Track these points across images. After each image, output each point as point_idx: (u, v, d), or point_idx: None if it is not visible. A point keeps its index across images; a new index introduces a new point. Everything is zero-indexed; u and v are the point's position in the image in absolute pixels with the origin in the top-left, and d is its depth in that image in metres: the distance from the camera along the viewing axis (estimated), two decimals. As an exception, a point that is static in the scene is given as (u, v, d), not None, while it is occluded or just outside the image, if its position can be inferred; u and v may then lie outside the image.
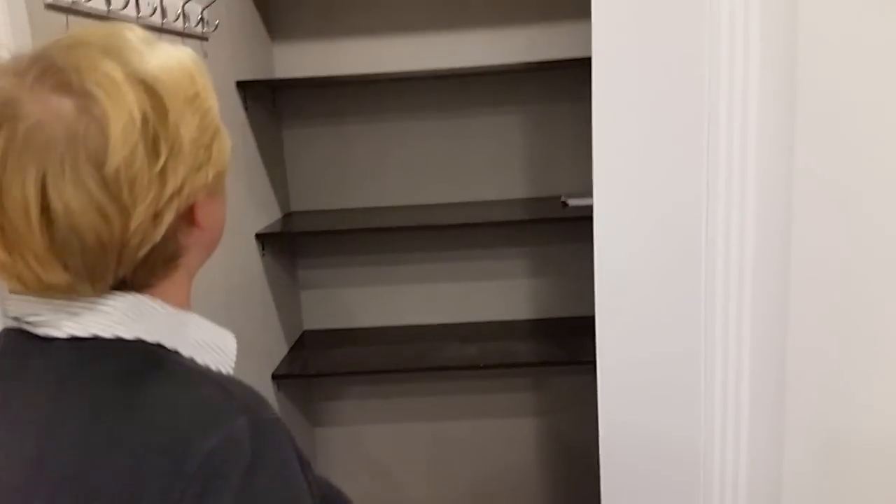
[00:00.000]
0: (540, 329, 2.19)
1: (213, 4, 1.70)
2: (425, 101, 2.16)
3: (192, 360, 0.59)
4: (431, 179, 2.21)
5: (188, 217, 0.60)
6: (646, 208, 1.08)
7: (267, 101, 2.11)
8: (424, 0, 2.08)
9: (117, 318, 0.56)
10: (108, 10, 1.26)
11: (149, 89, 0.54)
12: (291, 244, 2.27)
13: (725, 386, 1.06)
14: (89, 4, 1.20)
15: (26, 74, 0.52)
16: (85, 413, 0.53)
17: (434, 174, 2.21)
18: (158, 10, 1.44)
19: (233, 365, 0.63)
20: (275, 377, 2.03)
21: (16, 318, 0.58)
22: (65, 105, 0.51)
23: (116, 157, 0.51)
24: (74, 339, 0.56)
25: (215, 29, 1.70)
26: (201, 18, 1.63)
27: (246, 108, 1.93)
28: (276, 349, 2.12)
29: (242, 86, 1.88)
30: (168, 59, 0.57)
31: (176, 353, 0.59)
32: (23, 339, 0.57)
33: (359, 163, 2.21)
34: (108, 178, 0.51)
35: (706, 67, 1.02)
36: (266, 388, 2.00)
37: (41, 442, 0.53)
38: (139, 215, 0.53)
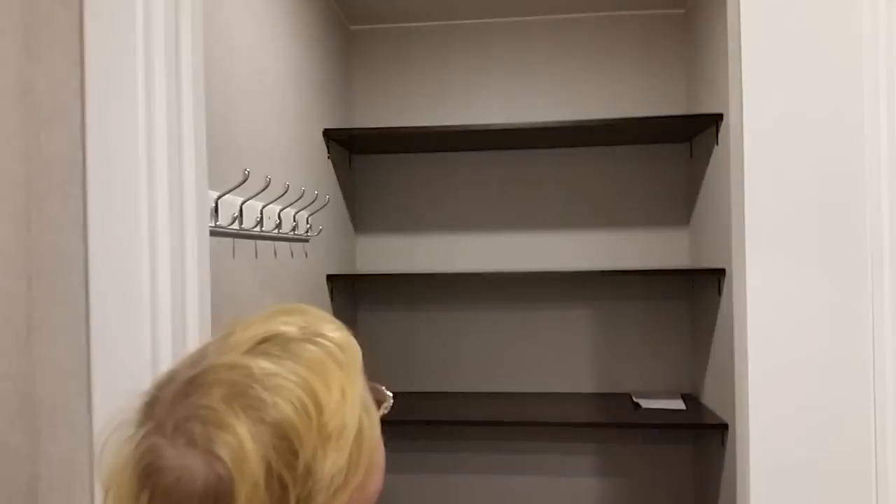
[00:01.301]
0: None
1: (318, 211, 1.86)
2: (495, 295, 2.25)
3: None
4: (499, 369, 2.25)
5: None
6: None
7: (349, 289, 2.22)
8: (497, 203, 2.25)
9: None
10: (240, 229, 1.40)
11: (276, 433, 0.54)
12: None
13: None
14: (228, 227, 1.34)
15: (164, 427, 0.54)
16: None
17: (502, 364, 2.25)
18: (275, 223, 1.59)
19: None
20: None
21: None
22: (196, 463, 0.52)
23: None
24: None
25: (318, 233, 1.85)
26: (308, 225, 1.78)
27: (332, 298, 2.04)
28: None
29: (331, 279, 2.01)
30: (303, 381, 0.56)
31: None
32: None
33: (428, 350, 2.28)
34: None
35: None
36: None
37: None
38: None
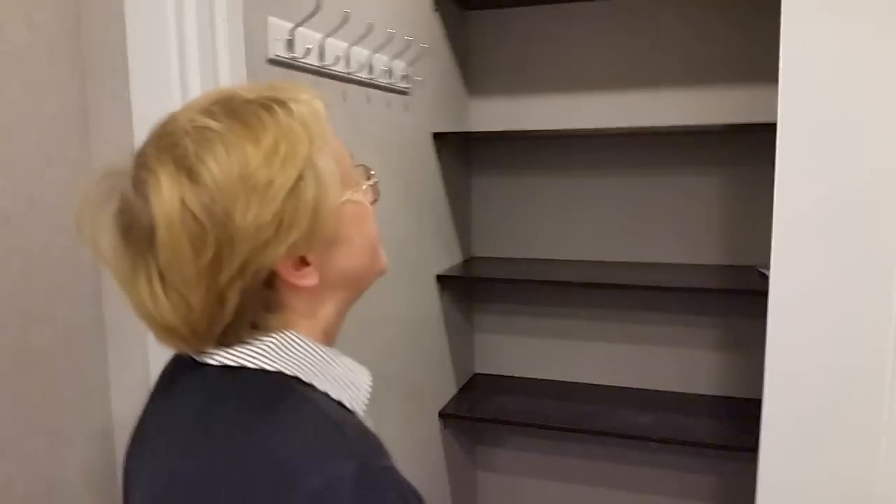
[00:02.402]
0: (722, 408, 2.01)
1: (419, 62, 1.85)
2: (613, 159, 2.13)
3: (324, 396, 0.61)
4: (615, 237, 2.16)
5: (283, 278, 0.61)
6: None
7: (460, 150, 2.22)
8: (617, 59, 2.08)
9: (264, 351, 0.61)
10: (322, 66, 1.43)
11: (195, 178, 0.56)
12: (469, 288, 2.33)
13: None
14: (304, 60, 1.37)
15: (127, 173, 0.60)
16: (218, 434, 0.58)
17: (618, 232, 2.15)
18: (366, 67, 1.59)
19: (366, 401, 0.64)
20: (441, 415, 2.09)
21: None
22: (138, 205, 0.58)
23: (163, 253, 0.57)
24: (225, 367, 0.61)
25: (420, 87, 1.84)
26: (405, 75, 1.77)
27: (438, 157, 2.05)
28: (446, 388, 2.18)
29: (437, 137, 2.00)
30: (233, 136, 0.58)
31: (311, 386, 0.61)
32: (189, 364, 0.64)
33: (542, 214, 2.23)
34: (162, 271, 0.57)
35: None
36: (433, 425, 2.06)
37: (182, 453, 0.59)
38: (197, 302, 0.57)
